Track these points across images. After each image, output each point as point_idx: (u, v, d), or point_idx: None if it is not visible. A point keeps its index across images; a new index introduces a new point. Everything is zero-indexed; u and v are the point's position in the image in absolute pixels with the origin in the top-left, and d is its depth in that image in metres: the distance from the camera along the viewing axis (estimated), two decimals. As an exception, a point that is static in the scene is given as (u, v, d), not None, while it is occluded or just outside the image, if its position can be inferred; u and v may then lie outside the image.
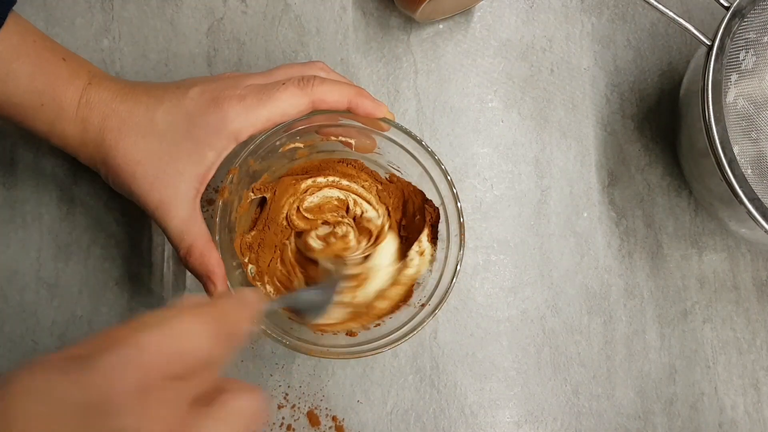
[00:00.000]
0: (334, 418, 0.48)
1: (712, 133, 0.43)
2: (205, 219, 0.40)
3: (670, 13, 0.45)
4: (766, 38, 0.49)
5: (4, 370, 0.45)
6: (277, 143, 0.42)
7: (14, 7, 0.37)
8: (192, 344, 0.26)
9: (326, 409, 0.48)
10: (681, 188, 0.54)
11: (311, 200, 0.45)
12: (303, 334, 0.42)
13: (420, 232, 0.44)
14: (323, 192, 0.45)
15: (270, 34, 0.50)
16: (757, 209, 0.43)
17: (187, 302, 0.28)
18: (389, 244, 0.45)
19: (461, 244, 0.42)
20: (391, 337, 0.41)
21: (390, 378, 0.49)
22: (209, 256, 0.39)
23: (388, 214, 0.47)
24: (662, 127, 0.55)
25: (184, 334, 0.26)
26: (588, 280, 0.52)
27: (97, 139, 0.38)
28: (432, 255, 0.44)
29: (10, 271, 0.46)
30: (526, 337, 0.51)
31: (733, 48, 0.46)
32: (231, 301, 0.29)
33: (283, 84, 0.39)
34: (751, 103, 0.51)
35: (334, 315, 0.42)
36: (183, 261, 0.39)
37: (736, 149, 0.44)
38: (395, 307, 0.44)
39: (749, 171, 0.51)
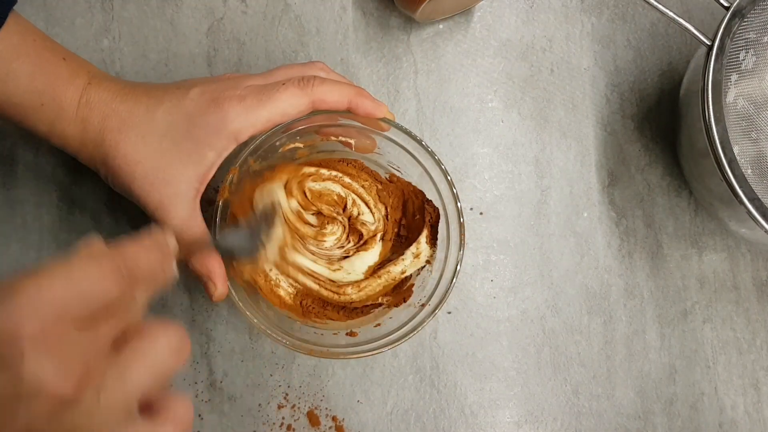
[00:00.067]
0: (334, 418, 0.48)
1: (712, 133, 0.43)
2: (205, 219, 0.40)
3: (670, 13, 0.45)
4: (766, 38, 0.49)
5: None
6: (277, 143, 0.42)
7: (14, 7, 0.37)
8: (92, 287, 0.26)
9: (326, 409, 0.48)
10: (681, 188, 0.54)
11: (312, 185, 0.44)
12: (303, 334, 0.42)
13: (420, 232, 0.44)
14: (326, 183, 0.45)
15: (270, 34, 0.51)
16: (757, 209, 0.43)
17: (86, 248, 0.27)
18: (372, 254, 0.45)
19: (461, 244, 0.42)
20: (391, 337, 0.41)
21: (390, 378, 0.49)
22: (209, 256, 0.39)
23: (386, 219, 0.46)
24: (662, 127, 0.55)
25: (82, 277, 0.26)
26: (588, 280, 0.52)
27: (97, 139, 0.38)
28: (430, 256, 0.44)
29: (10, 271, 0.46)
30: (526, 337, 0.51)
31: (733, 48, 0.46)
32: (135, 244, 0.29)
33: (283, 84, 0.39)
34: (751, 103, 0.51)
35: (269, 256, 0.41)
36: (183, 261, 0.39)
37: (736, 149, 0.44)
38: (371, 301, 0.44)
39: (749, 171, 0.51)
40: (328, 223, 0.44)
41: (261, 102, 0.38)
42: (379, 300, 0.45)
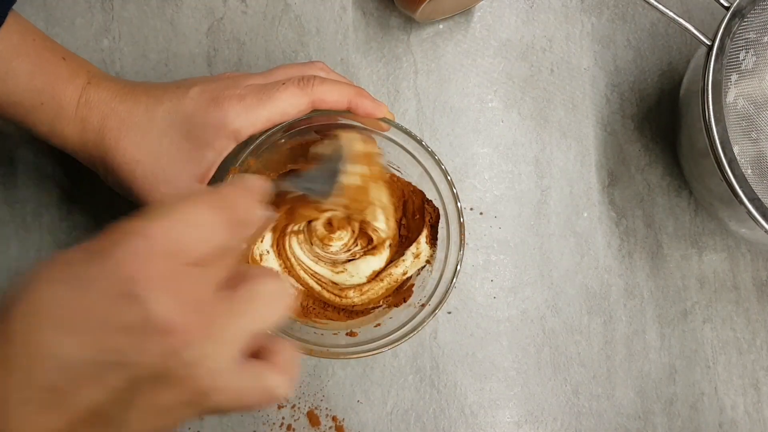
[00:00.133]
0: (334, 418, 0.48)
1: (712, 133, 0.43)
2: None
3: (670, 13, 0.45)
4: (766, 38, 0.49)
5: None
6: (278, 143, 0.42)
7: (14, 7, 0.37)
8: (204, 230, 0.27)
9: (326, 409, 0.48)
10: (681, 188, 0.54)
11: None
12: (303, 334, 0.42)
13: (419, 232, 0.44)
14: None
15: (270, 34, 0.51)
16: (757, 209, 0.43)
17: (191, 192, 0.28)
18: (378, 259, 0.45)
19: (461, 244, 0.42)
20: (391, 337, 0.41)
21: (390, 378, 0.49)
22: None
23: (397, 225, 0.46)
24: (662, 127, 0.55)
25: (195, 221, 0.26)
26: (588, 280, 0.52)
27: (97, 138, 0.38)
28: (430, 256, 0.44)
29: (10, 271, 0.46)
30: (526, 337, 0.51)
31: (733, 48, 0.46)
32: (235, 187, 0.29)
33: (283, 84, 0.39)
34: (751, 103, 0.51)
35: (340, 194, 0.41)
36: None
37: (736, 149, 0.44)
38: (372, 304, 0.44)
39: (749, 171, 0.51)
40: (338, 228, 0.45)
41: (261, 101, 0.38)
42: (380, 302, 0.45)
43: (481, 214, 0.52)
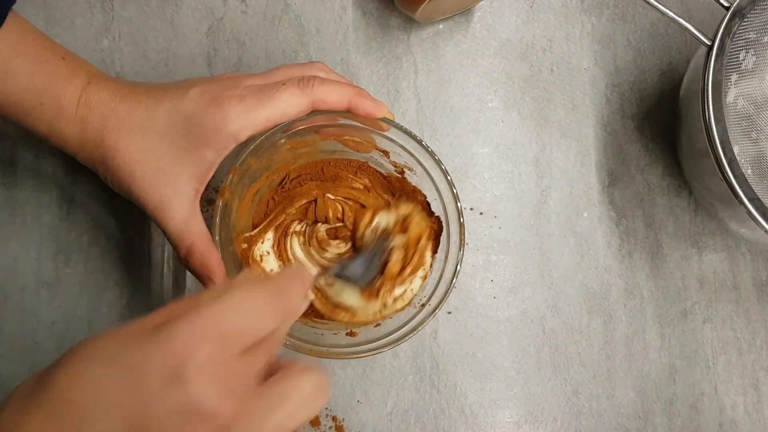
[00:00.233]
0: (334, 418, 0.48)
1: (712, 133, 0.43)
2: (205, 219, 0.40)
3: (670, 13, 0.45)
4: (766, 38, 0.49)
5: (4, 370, 0.45)
6: (278, 143, 0.42)
7: (14, 7, 0.37)
8: (257, 318, 0.27)
9: (326, 409, 0.48)
10: (681, 188, 0.54)
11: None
12: (303, 334, 0.42)
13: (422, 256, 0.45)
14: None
15: (270, 34, 0.50)
16: (757, 209, 0.43)
17: (245, 277, 0.28)
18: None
19: (461, 244, 0.42)
20: (391, 337, 0.41)
21: (390, 378, 0.49)
22: (209, 256, 0.39)
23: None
24: (662, 127, 0.55)
25: (250, 308, 0.27)
26: (588, 280, 0.52)
27: (96, 138, 0.38)
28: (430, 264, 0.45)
29: (10, 271, 0.46)
30: (526, 337, 0.51)
31: (733, 48, 0.46)
32: (286, 275, 0.30)
33: (283, 84, 0.39)
34: (751, 103, 0.51)
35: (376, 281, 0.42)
36: (183, 261, 0.39)
37: (736, 149, 0.44)
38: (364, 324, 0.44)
39: (749, 171, 0.51)
40: (340, 238, 0.45)
41: (261, 102, 0.38)
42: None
43: (481, 214, 0.52)
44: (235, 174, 0.40)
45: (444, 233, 0.43)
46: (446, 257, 0.42)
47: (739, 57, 0.48)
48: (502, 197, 0.52)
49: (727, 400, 0.53)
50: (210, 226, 0.40)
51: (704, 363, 0.53)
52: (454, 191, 0.42)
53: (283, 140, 0.42)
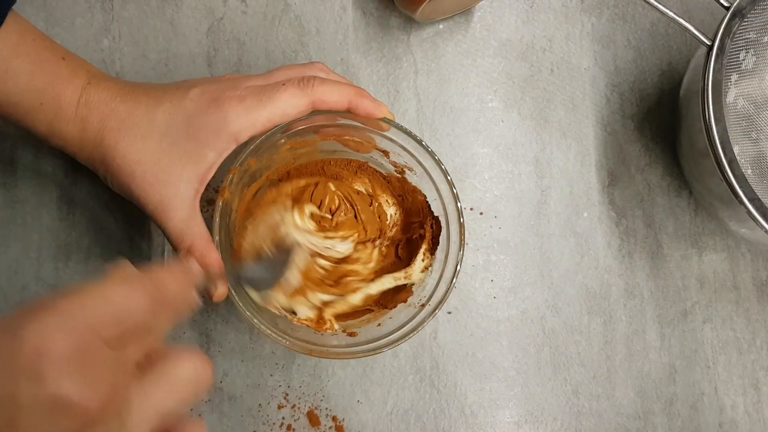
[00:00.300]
0: (334, 418, 0.48)
1: (712, 133, 0.43)
2: (205, 219, 0.40)
3: (670, 13, 0.45)
4: (766, 38, 0.49)
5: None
6: (278, 143, 0.42)
7: (14, 7, 0.37)
8: (122, 308, 0.26)
9: (326, 409, 0.48)
10: (681, 188, 0.54)
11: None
12: (303, 334, 0.42)
13: (415, 252, 0.45)
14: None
15: (270, 34, 0.50)
16: (757, 209, 0.43)
17: (117, 270, 0.28)
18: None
19: (461, 244, 0.42)
20: (391, 337, 0.41)
21: (390, 378, 0.49)
22: (209, 256, 0.39)
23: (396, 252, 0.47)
24: (662, 127, 0.55)
25: (114, 299, 0.26)
26: (588, 280, 0.52)
27: (96, 139, 0.38)
28: (429, 263, 0.45)
29: (10, 271, 0.46)
30: (526, 337, 0.51)
31: (733, 48, 0.46)
32: (164, 270, 0.29)
33: (283, 85, 0.39)
34: (751, 103, 0.51)
35: (288, 287, 0.41)
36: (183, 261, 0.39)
37: (736, 149, 0.44)
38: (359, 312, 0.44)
39: (749, 171, 0.51)
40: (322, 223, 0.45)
41: (261, 102, 0.38)
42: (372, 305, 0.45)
43: (481, 214, 0.52)
44: (235, 174, 0.40)
45: (444, 233, 0.43)
46: (446, 257, 0.42)
47: (739, 57, 0.48)
48: (502, 197, 0.52)
49: (727, 400, 0.53)
50: (210, 226, 0.40)
51: (704, 363, 0.53)
52: (454, 191, 0.42)
53: (283, 140, 0.42)
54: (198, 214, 0.39)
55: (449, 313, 0.50)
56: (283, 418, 0.47)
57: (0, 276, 0.46)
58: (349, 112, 0.40)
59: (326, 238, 0.44)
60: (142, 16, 0.49)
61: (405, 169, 0.45)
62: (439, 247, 0.44)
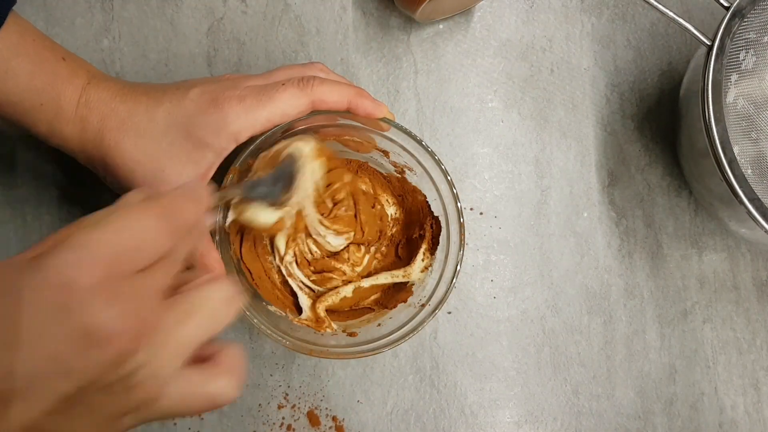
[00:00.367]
0: (334, 418, 0.48)
1: (712, 133, 0.43)
2: (204, 219, 0.40)
3: (670, 13, 0.45)
4: (766, 38, 0.49)
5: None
6: (277, 143, 0.42)
7: (14, 7, 0.37)
8: (145, 236, 0.26)
9: (326, 409, 0.48)
10: (681, 188, 0.54)
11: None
12: (303, 334, 0.42)
13: (416, 250, 0.45)
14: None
15: (270, 34, 0.50)
16: (757, 209, 0.43)
17: (132, 198, 0.27)
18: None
19: (461, 244, 0.42)
20: (391, 337, 0.41)
21: (390, 378, 0.49)
22: (209, 255, 0.39)
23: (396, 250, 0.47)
24: (662, 127, 0.55)
25: (135, 227, 0.26)
26: (588, 280, 0.52)
27: (96, 139, 0.38)
28: (428, 263, 0.45)
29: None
30: (526, 337, 0.51)
31: (733, 48, 0.46)
32: (178, 192, 0.29)
33: (283, 85, 0.39)
34: (751, 103, 0.51)
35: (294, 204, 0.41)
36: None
37: (736, 149, 0.44)
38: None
39: (749, 171, 0.51)
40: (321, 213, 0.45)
41: (261, 102, 0.38)
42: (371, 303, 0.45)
43: (481, 214, 0.52)
44: (235, 174, 0.40)
45: (444, 233, 0.43)
46: (446, 257, 0.42)
47: (739, 57, 0.48)
48: (502, 197, 0.52)
49: (727, 400, 0.53)
50: (210, 226, 0.40)
51: (704, 363, 0.53)
52: (454, 191, 0.42)
53: (283, 140, 0.42)
54: (198, 213, 0.39)
55: (449, 313, 0.50)
56: (283, 418, 0.47)
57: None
58: (349, 112, 0.40)
59: (320, 223, 0.44)
60: (142, 16, 0.49)
61: (405, 169, 0.45)
62: (439, 247, 0.44)
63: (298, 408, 0.48)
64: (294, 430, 0.47)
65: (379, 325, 0.43)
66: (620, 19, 0.55)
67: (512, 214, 0.52)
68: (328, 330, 0.43)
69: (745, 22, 0.45)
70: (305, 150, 0.40)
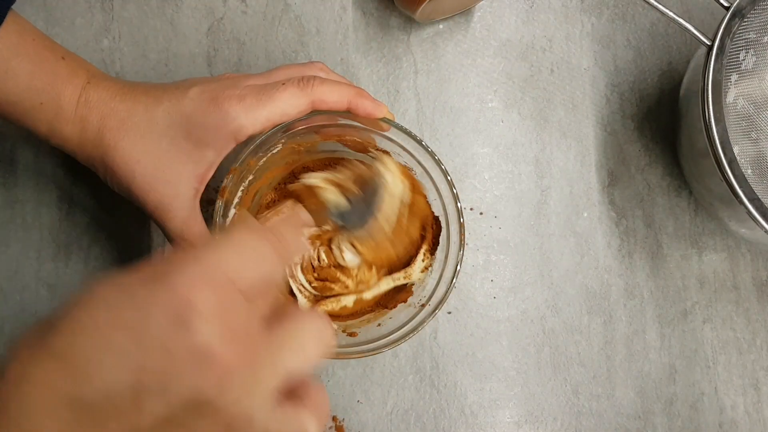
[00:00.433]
0: (334, 418, 0.48)
1: (712, 133, 0.43)
2: (205, 219, 0.40)
3: (670, 13, 0.45)
4: (766, 38, 0.49)
5: (3, 370, 0.45)
6: (277, 143, 0.42)
7: (14, 7, 0.37)
8: (258, 263, 0.27)
9: (326, 409, 0.48)
10: (681, 188, 0.54)
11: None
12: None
13: (416, 251, 0.45)
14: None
15: (270, 34, 0.50)
16: (757, 209, 0.43)
17: (241, 225, 0.28)
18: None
19: (461, 244, 0.42)
20: (391, 337, 0.41)
21: (390, 378, 0.49)
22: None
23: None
24: (662, 127, 0.55)
25: (252, 252, 0.27)
26: (588, 280, 0.52)
27: (96, 138, 0.38)
28: (428, 263, 0.45)
29: (10, 271, 0.46)
30: (526, 337, 0.51)
31: (733, 48, 0.46)
32: (281, 218, 0.30)
33: (283, 84, 0.39)
34: (751, 103, 0.51)
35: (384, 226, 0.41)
36: None
37: (736, 149, 0.44)
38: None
39: (749, 171, 0.51)
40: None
41: (261, 102, 0.38)
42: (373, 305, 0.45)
43: (481, 214, 0.52)
44: (235, 174, 0.40)
45: (444, 233, 0.43)
46: (446, 257, 0.42)
47: (739, 57, 0.48)
48: (502, 197, 0.52)
49: (727, 400, 0.53)
50: (210, 226, 0.40)
51: (704, 363, 0.53)
52: (454, 191, 0.42)
53: (283, 140, 0.42)
54: (198, 213, 0.39)
55: (449, 313, 0.50)
56: (283, 418, 0.47)
57: (0, 276, 0.46)
58: (348, 112, 0.40)
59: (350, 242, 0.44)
60: (142, 16, 0.49)
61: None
62: (439, 247, 0.44)
63: (298, 408, 0.48)
64: (294, 430, 0.47)
65: (379, 325, 0.43)
66: (620, 19, 0.55)
67: (512, 214, 0.52)
68: None
69: (745, 22, 0.45)
70: (389, 175, 0.41)
